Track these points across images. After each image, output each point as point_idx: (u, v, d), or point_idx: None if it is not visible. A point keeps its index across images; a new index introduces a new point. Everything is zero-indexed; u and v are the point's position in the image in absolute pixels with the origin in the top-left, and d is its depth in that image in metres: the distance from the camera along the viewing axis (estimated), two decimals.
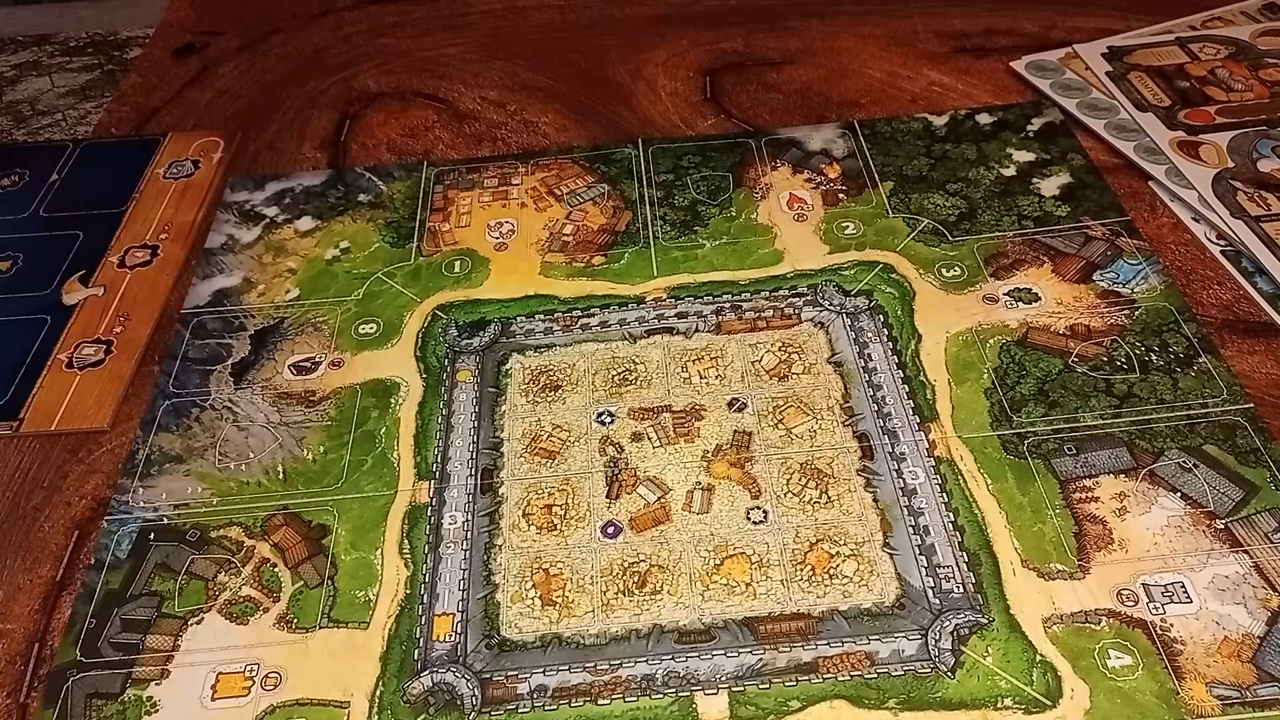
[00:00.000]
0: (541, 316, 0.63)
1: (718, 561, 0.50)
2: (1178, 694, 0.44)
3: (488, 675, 0.47)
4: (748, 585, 0.49)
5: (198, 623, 0.50)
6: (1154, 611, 0.47)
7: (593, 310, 0.63)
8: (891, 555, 0.50)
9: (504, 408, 0.58)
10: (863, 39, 0.84)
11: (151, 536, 0.53)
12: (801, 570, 0.50)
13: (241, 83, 0.86)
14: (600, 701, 0.46)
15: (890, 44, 0.83)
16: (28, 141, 1.89)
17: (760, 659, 0.47)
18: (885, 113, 0.76)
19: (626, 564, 0.51)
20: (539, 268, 0.66)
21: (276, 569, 0.51)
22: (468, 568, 0.51)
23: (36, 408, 0.60)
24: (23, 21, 2.25)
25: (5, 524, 0.55)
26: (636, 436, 0.56)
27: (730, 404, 0.57)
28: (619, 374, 0.59)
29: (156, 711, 0.46)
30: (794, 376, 0.58)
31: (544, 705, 0.46)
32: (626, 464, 0.55)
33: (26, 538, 0.54)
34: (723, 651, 0.47)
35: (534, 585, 0.50)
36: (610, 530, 0.52)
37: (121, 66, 2.13)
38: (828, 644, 0.47)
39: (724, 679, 0.46)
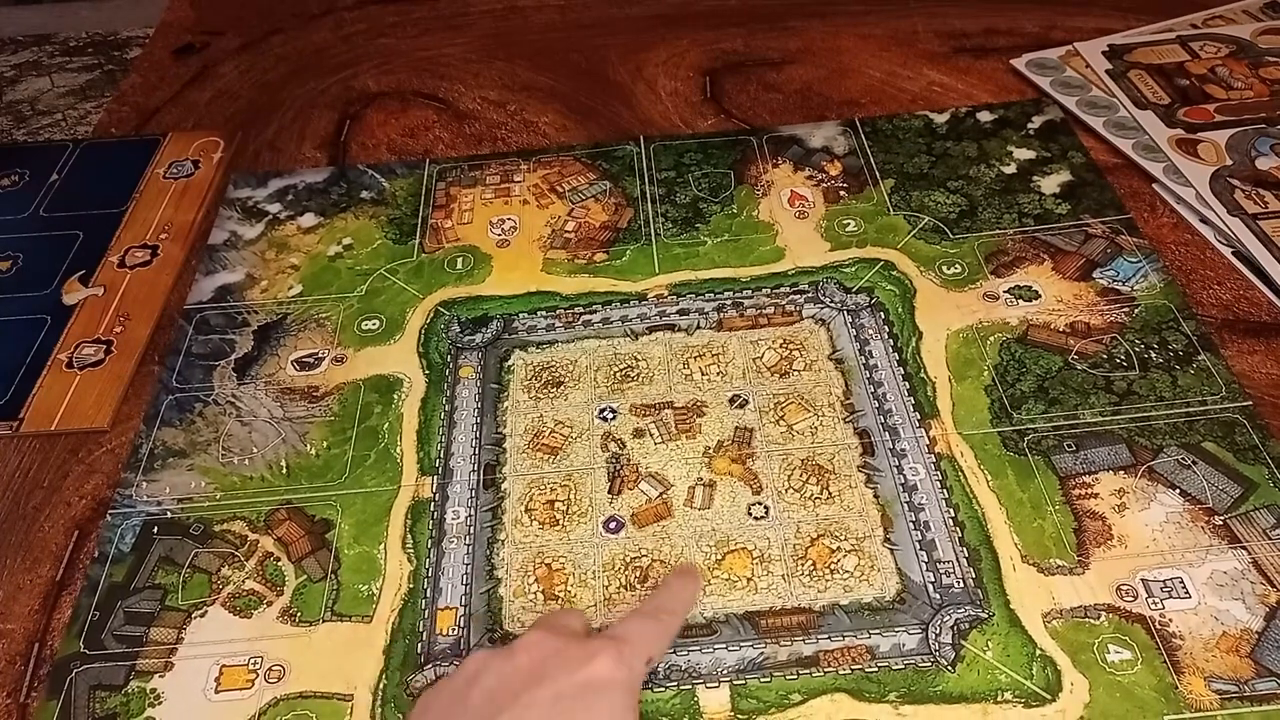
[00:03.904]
0: (544, 313, 0.63)
1: (719, 556, 0.51)
2: (1176, 688, 0.44)
3: None
4: (749, 580, 0.49)
5: (201, 616, 0.50)
6: (1153, 607, 0.47)
7: (595, 307, 0.63)
8: (892, 550, 0.50)
9: (506, 404, 0.58)
10: (863, 39, 0.84)
11: (155, 530, 0.53)
12: (802, 565, 0.50)
13: (241, 83, 0.86)
14: None
15: (890, 44, 0.83)
16: (28, 141, 1.89)
17: (761, 653, 0.47)
18: (885, 113, 0.76)
19: (628, 559, 0.51)
20: (541, 264, 0.66)
21: (280, 563, 0.52)
22: (470, 562, 0.51)
23: (36, 408, 0.60)
24: (23, 21, 2.25)
25: (5, 524, 0.55)
26: (638, 432, 0.56)
27: (732, 400, 0.57)
28: (621, 370, 0.59)
29: (160, 704, 0.47)
30: (795, 373, 0.58)
31: None
32: (628, 460, 0.55)
33: (26, 538, 0.54)
34: (724, 645, 0.47)
35: (536, 580, 0.50)
36: (612, 525, 0.52)
37: (121, 66, 2.13)
38: (829, 638, 0.47)
39: (725, 672, 0.46)
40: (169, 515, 0.54)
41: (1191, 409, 0.55)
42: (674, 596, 0.47)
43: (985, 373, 0.57)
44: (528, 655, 0.41)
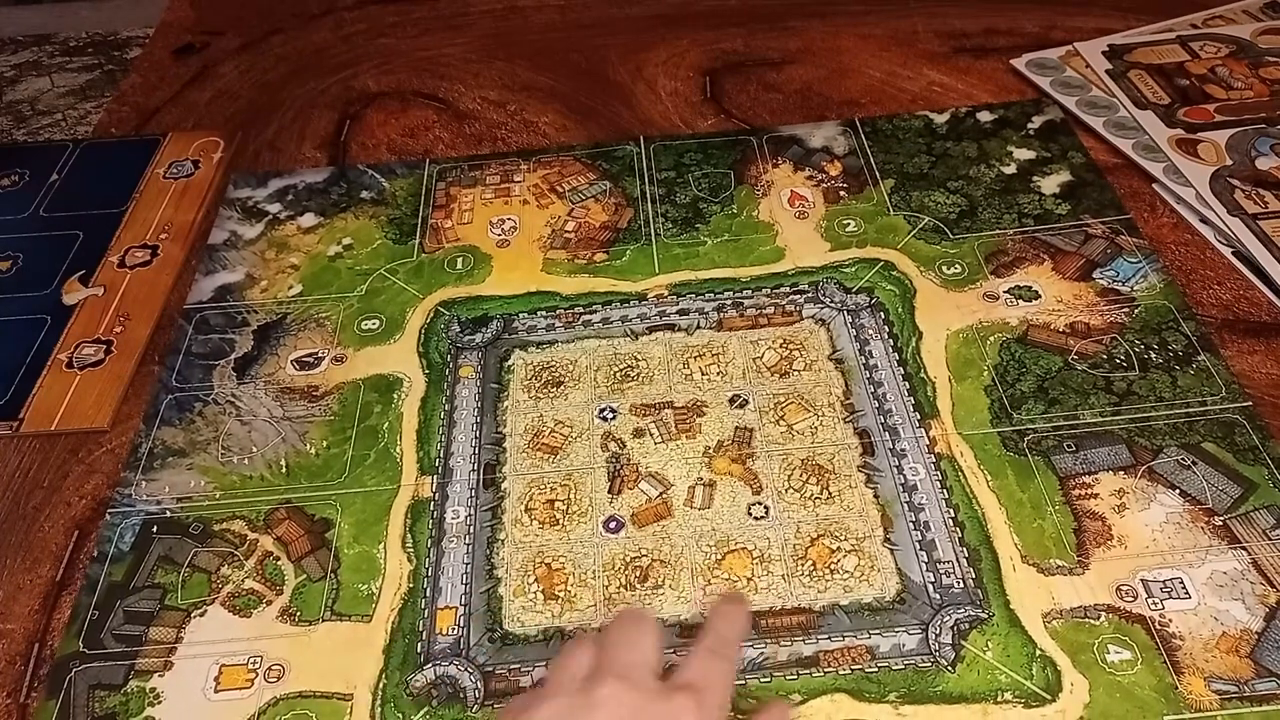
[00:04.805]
0: (544, 313, 0.63)
1: (719, 556, 0.51)
2: (1176, 688, 0.44)
3: (490, 668, 0.47)
4: (749, 580, 0.49)
5: (201, 615, 0.50)
6: (1153, 607, 0.47)
7: (595, 307, 0.63)
8: (892, 550, 0.50)
9: (506, 403, 0.58)
10: (863, 39, 0.84)
11: (154, 529, 0.53)
12: (802, 565, 0.50)
13: (241, 83, 0.86)
14: None
15: (890, 44, 0.84)
16: (28, 141, 1.89)
17: (762, 653, 0.47)
18: (885, 113, 0.76)
19: (628, 558, 0.51)
20: (541, 264, 0.66)
21: (279, 562, 0.52)
22: (470, 562, 0.51)
23: (36, 408, 0.60)
24: (23, 21, 2.25)
25: (5, 524, 0.55)
26: (638, 432, 0.56)
27: (732, 400, 0.57)
28: (621, 370, 0.59)
29: (160, 703, 0.47)
30: (795, 373, 0.58)
31: None
32: (628, 460, 0.55)
33: (26, 538, 0.54)
34: None
35: (536, 579, 0.50)
36: (612, 525, 0.52)
37: (121, 66, 2.13)
38: (829, 638, 0.47)
39: None
40: (168, 514, 0.54)
41: (1191, 409, 0.55)
42: (730, 627, 0.45)
43: (985, 373, 0.57)
44: (607, 715, 0.38)
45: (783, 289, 0.63)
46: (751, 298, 0.63)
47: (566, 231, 0.68)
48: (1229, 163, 0.68)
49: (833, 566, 0.50)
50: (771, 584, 0.49)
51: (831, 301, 0.62)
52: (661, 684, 0.40)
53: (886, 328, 0.60)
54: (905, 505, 0.52)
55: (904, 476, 0.53)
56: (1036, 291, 0.61)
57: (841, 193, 0.69)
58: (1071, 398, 0.56)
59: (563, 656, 0.43)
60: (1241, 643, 0.46)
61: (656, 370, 0.59)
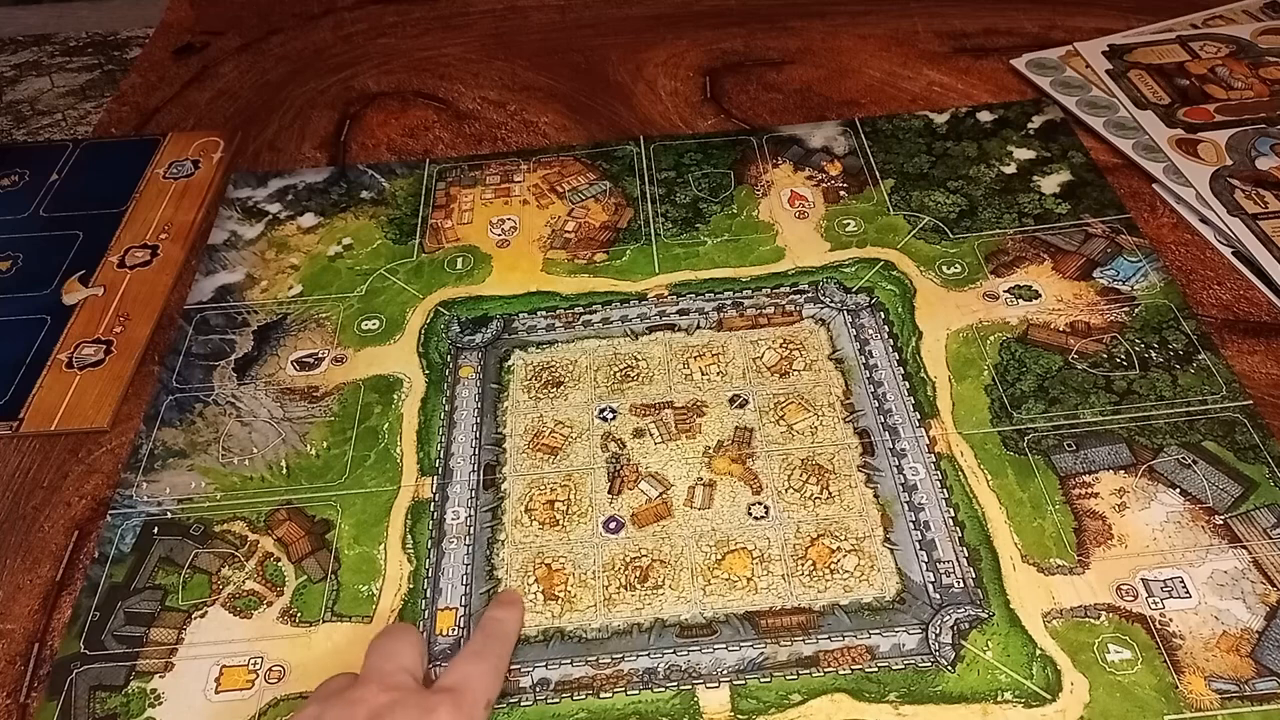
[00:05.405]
0: (544, 313, 0.63)
1: (719, 556, 0.51)
2: (1177, 688, 0.44)
3: None
4: (749, 580, 0.49)
5: (201, 616, 0.50)
6: (1153, 606, 0.47)
7: (595, 307, 0.63)
8: (892, 550, 0.50)
9: (506, 404, 0.58)
10: (863, 39, 0.84)
11: (155, 530, 0.53)
12: (802, 565, 0.50)
13: (241, 83, 0.86)
14: (602, 695, 0.46)
15: (890, 44, 0.83)
16: (28, 141, 1.89)
17: (761, 653, 0.47)
18: (885, 113, 0.76)
19: (628, 559, 0.51)
20: (541, 264, 0.66)
21: (280, 563, 0.52)
22: (470, 563, 0.51)
23: (36, 408, 0.60)
24: (23, 21, 2.25)
25: (5, 524, 0.55)
26: (638, 432, 0.56)
27: (732, 400, 0.57)
28: (621, 370, 0.59)
29: (160, 704, 0.47)
30: (795, 373, 0.58)
31: (546, 698, 0.46)
32: (628, 460, 0.55)
33: (26, 538, 0.54)
34: (724, 645, 0.47)
35: (536, 580, 0.50)
36: (612, 525, 0.52)
37: (121, 66, 2.13)
38: (829, 638, 0.47)
39: (725, 672, 0.46)
40: (169, 515, 0.54)
41: (1192, 408, 0.55)
42: (498, 629, 0.46)
43: (985, 372, 0.57)
44: (366, 709, 0.40)
45: (783, 289, 0.63)
46: (751, 298, 0.63)
47: (566, 231, 0.68)
48: (1229, 163, 0.68)
49: (833, 566, 0.50)
50: (771, 584, 0.49)
51: (831, 301, 0.62)
52: (421, 686, 0.42)
53: (886, 327, 0.60)
54: (905, 505, 0.52)
55: (904, 476, 0.53)
56: (1036, 291, 0.61)
57: (841, 193, 0.69)
58: (1072, 397, 0.56)
59: (325, 681, 0.44)
60: (1242, 642, 0.46)
61: (656, 370, 0.59)
